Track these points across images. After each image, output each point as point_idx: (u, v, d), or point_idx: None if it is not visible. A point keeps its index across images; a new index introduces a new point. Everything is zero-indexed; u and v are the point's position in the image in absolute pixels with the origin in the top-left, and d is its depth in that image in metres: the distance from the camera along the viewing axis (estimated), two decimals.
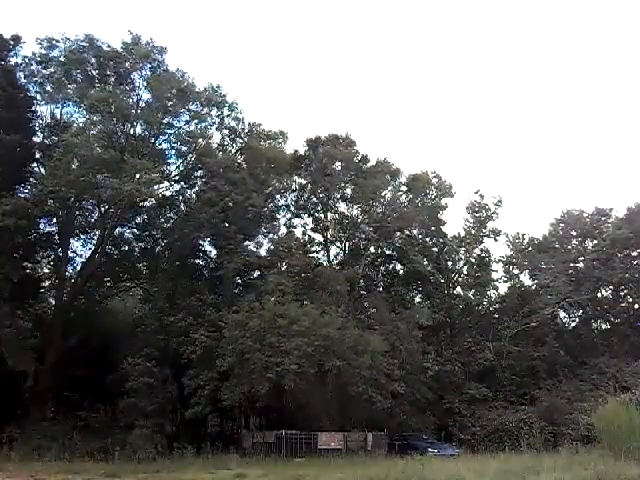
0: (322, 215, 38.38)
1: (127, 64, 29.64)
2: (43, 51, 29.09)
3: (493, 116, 76.34)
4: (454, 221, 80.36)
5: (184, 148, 31.69)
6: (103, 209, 30.20)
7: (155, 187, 29.10)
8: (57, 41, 29.10)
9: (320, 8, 74.36)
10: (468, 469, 14.43)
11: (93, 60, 29.41)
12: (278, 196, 37.36)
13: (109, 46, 29.72)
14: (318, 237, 38.75)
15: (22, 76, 29.25)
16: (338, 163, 37.28)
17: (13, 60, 28.84)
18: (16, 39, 28.74)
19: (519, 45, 76.46)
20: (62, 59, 29.00)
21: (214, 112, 32.55)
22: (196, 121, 31.75)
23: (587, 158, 78.19)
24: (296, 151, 37.30)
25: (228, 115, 33.15)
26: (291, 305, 26.74)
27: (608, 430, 16.84)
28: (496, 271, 41.17)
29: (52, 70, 29.29)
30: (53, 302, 31.65)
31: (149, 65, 30.20)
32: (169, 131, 31.09)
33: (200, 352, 26.13)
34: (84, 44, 29.25)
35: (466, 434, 31.33)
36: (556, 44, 73.97)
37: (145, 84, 29.96)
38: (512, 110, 76.75)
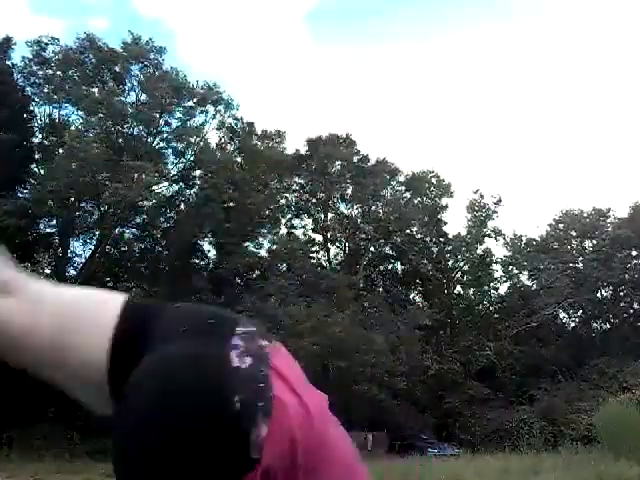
0: (322, 215, 38.38)
1: (125, 64, 29.70)
2: (36, 53, 29.07)
3: (492, 115, 76.34)
4: (454, 221, 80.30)
5: (181, 147, 31.74)
6: (103, 209, 30.22)
7: (154, 187, 29.16)
8: (46, 44, 29.08)
9: (319, 7, 74.40)
10: (468, 469, 14.43)
11: (93, 60, 29.46)
12: (278, 196, 37.40)
13: (108, 46, 29.79)
14: (318, 237, 38.80)
15: (19, 77, 29.29)
16: (338, 163, 37.31)
17: (9, 62, 28.90)
18: (8, 40, 28.74)
19: (519, 44, 76.44)
20: (61, 58, 29.03)
21: (210, 109, 32.56)
22: (193, 119, 31.78)
23: (587, 158, 78.16)
24: (297, 151, 37.32)
25: (229, 115, 33.18)
26: (295, 306, 26.79)
27: (608, 430, 16.84)
28: (496, 271, 41.26)
29: (50, 71, 29.31)
30: None
31: (147, 65, 30.29)
32: (166, 130, 31.17)
33: None
34: (85, 43, 29.31)
35: (466, 434, 31.33)
36: (556, 42, 73.96)
37: (142, 84, 30.03)
38: (511, 109, 76.76)
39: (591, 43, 75.50)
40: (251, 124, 34.57)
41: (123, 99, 29.19)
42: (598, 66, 75.34)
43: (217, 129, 33.48)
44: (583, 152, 75.50)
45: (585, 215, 40.55)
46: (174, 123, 31.18)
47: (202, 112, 32.05)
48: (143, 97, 30.14)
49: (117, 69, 29.61)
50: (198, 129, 31.78)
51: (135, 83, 30.25)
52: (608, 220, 39.74)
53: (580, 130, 76.44)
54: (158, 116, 29.91)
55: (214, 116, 32.69)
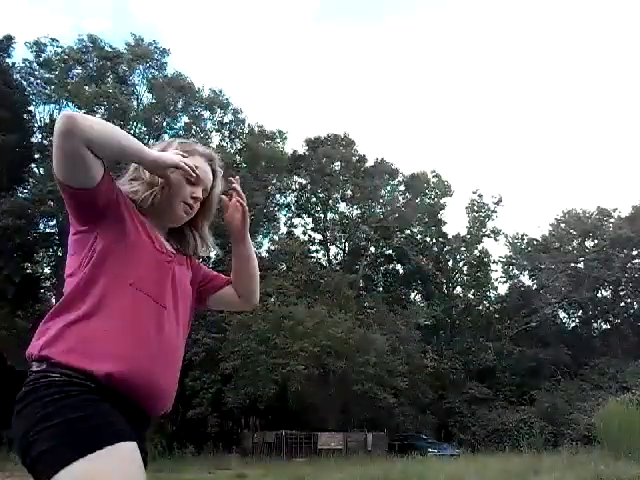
0: (322, 215, 38.43)
1: (128, 65, 29.75)
2: (36, 54, 29.09)
3: (496, 114, 76.29)
4: (455, 221, 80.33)
5: None
6: None
7: None
8: (45, 44, 29.09)
9: (318, 6, 74.35)
10: (468, 469, 14.41)
11: (95, 60, 29.52)
12: (278, 196, 37.48)
13: (111, 47, 29.85)
14: (318, 237, 38.83)
15: (19, 77, 29.33)
16: (338, 163, 37.37)
17: (9, 60, 28.98)
18: (9, 39, 28.77)
19: (519, 42, 76.45)
20: (62, 58, 29.07)
21: (217, 115, 32.72)
22: (197, 123, 31.84)
23: (593, 157, 78.13)
24: (295, 151, 37.40)
25: (232, 120, 33.36)
26: (298, 307, 26.78)
27: (608, 430, 16.83)
28: (496, 271, 41.31)
29: (50, 71, 29.32)
30: (53, 302, 31.70)
31: (151, 66, 30.34)
32: (169, 132, 31.23)
33: (203, 354, 26.15)
34: (87, 43, 29.36)
35: (466, 434, 31.34)
36: (558, 40, 73.93)
37: (147, 85, 30.09)
38: (514, 107, 76.74)
39: (596, 41, 75.52)
40: (252, 125, 34.69)
41: (125, 99, 29.24)
42: (603, 63, 75.37)
43: (217, 131, 33.60)
44: (589, 151, 75.54)
45: (587, 215, 40.59)
46: (178, 126, 31.31)
47: (209, 119, 32.26)
48: (147, 98, 30.24)
49: (120, 70, 29.66)
50: (203, 133, 31.91)
51: (139, 84, 30.35)
52: (611, 220, 39.78)
53: (587, 128, 76.49)
54: (162, 118, 29.97)
55: (221, 122, 32.89)
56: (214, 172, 1.79)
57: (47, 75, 29.24)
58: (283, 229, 37.46)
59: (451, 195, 39.97)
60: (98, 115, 28.26)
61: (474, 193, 40.12)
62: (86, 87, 28.08)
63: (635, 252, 38.22)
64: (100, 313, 1.46)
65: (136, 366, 1.45)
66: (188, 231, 1.80)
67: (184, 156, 1.68)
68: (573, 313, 41.58)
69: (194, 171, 1.64)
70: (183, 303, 1.66)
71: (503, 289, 41.92)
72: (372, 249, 39.50)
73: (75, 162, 1.43)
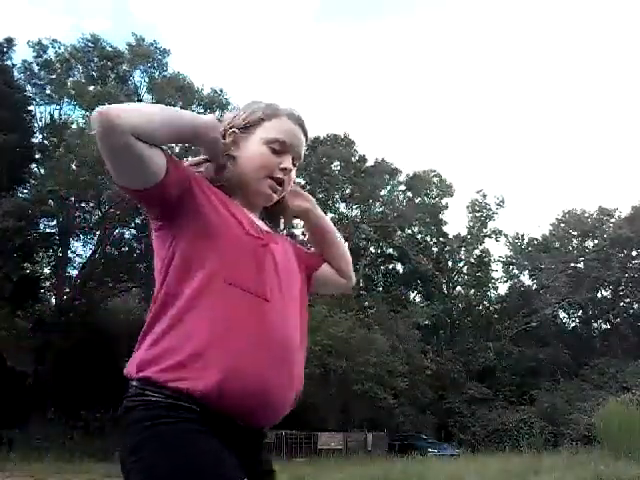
0: None
1: (129, 65, 29.81)
2: (37, 54, 29.15)
3: (497, 114, 76.25)
4: (455, 221, 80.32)
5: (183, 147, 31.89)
6: (103, 209, 30.25)
7: None
8: (46, 45, 29.17)
9: (318, 6, 74.32)
10: (468, 469, 14.41)
11: (96, 59, 29.57)
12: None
13: (112, 47, 29.90)
14: None
15: (20, 77, 29.37)
16: (337, 163, 37.38)
17: (9, 62, 29.00)
18: (9, 41, 28.83)
19: (520, 42, 76.42)
20: (63, 58, 29.13)
21: (216, 114, 32.74)
22: None
23: (590, 157, 78.11)
24: None
25: None
26: None
27: (608, 430, 16.83)
28: (496, 271, 41.34)
29: (51, 72, 29.37)
30: (53, 302, 31.72)
31: (152, 66, 30.39)
32: None
33: None
34: (89, 44, 29.43)
35: (466, 434, 31.36)
36: (557, 41, 73.91)
37: (147, 85, 30.14)
38: (513, 108, 76.69)
39: (596, 41, 75.48)
40: None
41: (127, 100, 29.28)
42: (603, 63, 75.33)
43: None
44: (589, 151, 75.52)
45: (587, 215, 40.66)
46: None
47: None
48: (147, 98, 30.22)
49: (122, 70, 29.71)
50: None
51: (140, 84, 30.40)
52: (611, 220, 39.87)
53: (587, 129, 76.46)
54: None
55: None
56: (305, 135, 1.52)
57: (48, 75, 29.28)
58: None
59: (452, 195, 40.02)
60: None
61: (478, 193, 40.17)
62: (88, 87, 28.11)
63: (635, 252, 38.27)
64: (190, 318, 1.25)
65: (239, 375, 1.22)
66: (274, 205, 1.55)
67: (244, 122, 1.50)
68: (573, 313, 41.62)
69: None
70: (293, 290, 1.40)
71: (503, 289, 42.04)
72: (372, 249, 39.52)
73: (126, 157, 1.20)
